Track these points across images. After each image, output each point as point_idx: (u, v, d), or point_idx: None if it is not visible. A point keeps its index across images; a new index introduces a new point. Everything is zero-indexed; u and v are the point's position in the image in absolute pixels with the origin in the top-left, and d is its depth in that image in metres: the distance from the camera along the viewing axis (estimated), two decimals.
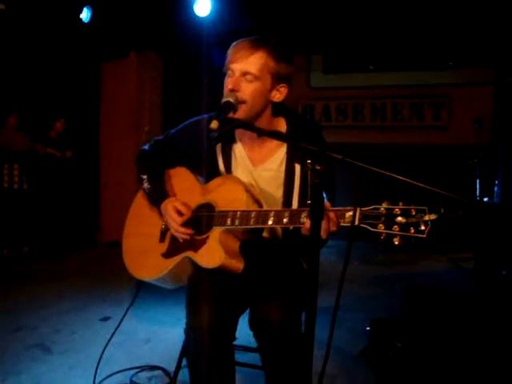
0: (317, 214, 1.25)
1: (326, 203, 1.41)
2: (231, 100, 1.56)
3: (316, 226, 1.25)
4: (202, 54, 5.51)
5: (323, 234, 1.39)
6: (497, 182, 4.93)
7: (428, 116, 6.40)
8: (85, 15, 4.94)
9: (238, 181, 1.70)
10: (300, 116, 1.84)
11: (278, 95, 1.66)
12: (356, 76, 6.58)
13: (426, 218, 1.27)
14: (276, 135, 1.53)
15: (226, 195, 1.69)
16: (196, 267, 1.73)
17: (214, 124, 1.47)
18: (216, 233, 1.65)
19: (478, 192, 5.12)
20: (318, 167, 1.23)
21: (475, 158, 5.15)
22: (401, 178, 1.18)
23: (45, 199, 5.57)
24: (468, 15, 5.15)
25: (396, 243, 1.30)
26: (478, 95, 6.08)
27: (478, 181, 5.13)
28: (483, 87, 6.05)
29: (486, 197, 5.06)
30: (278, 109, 1.73)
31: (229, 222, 1.61)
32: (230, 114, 1.58)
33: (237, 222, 1.60)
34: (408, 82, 6.42)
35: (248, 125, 1.59)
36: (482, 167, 5.12)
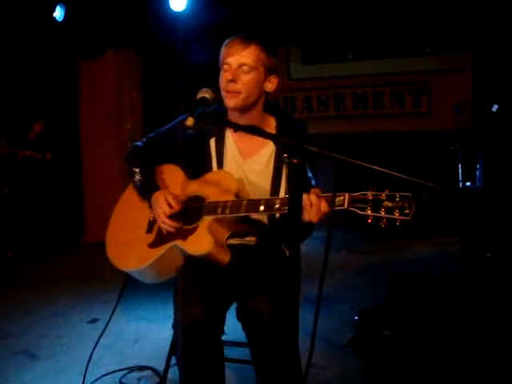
0: (295, 208, 1.25)
1: (316, 189, 1.49)
2: (207, 96, 1.57)
3: (295, 218, 1.25)
4: (180, 49, 5.45)
5: (314, 219, 1.47)
6: (478, 166, 4.98)
7: (409, 103, 6.42)
8: (58, 14, 4.84)
9: (230, 175, 1.74)
10: (288, 115, 1.95)
11: (270, 85, 1.78)
12: (336, 66, 6.57)
13: (411, 201, 1.37)
14: (252, 130, 1.53)
15: (217, 189, 1.72)
16: (184, 261, 1.75)
17: (190, 121, 1.47)
18: (206, 222, 1.68)
19: (460, 177, 5.16)
20: (295, 161, 1.24)
21: (456, 143, 5.19)
22: (378, 168, 1.18)
23: (27, 203, 5.48)
24: (444, 1, 5.16)
25: (383, 226, 1.40)
26: (457, 81, 6.11)
27: (459, 166, 5.17)
28: (462, 72, 6.08)
29: (468, 181, 5.10)
30: (269, 107, 1.84)
31: (219, 211, 1.65)
32: (227, 103, 1.68)
33: (227, 210, 1.64)
34: (388, 69, 6.43)
35: (224, 120, 1.60)
36: (464, 152, 5.16)
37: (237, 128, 1.52)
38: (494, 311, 2.53)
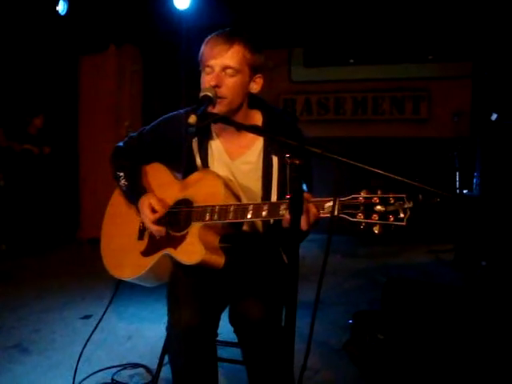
0: (296, 208, 1.24)
1: (307, 194, 1.41)
2: (210, 94, 1.55)
3: (296, 219, 1.24)
4: (182, 47, 5.45)
5: (304, 226, 1.38)
6: (476, 174, 4.99)
7: (408, 109, 6.44)
8: (61, 7, 4.83)
9: (216, 175, 1.69)
10: (275, 108, 1.84)
11: (256, 86, 1.68)
12: (337, 69, 6.57)
13: (405, 205, 1.27)
14: (255, 130, 1.51)
15: (203, 190, 1.67)
16: (176, 264, 1.71)
17: (192, 119, 1.45)
18: (195, 228, 1.63)
19: (457, 184, 5.18)
20: (297, 161, 1.22)
21: (454, 150, 5.20)
22: (380, 171, 1.17)
23: (23, 196, 5.46)
24: (447, 9, 5.18)
25: (376, 232, 1.30)
26: (457, 89, 6.13)
27: (457, 173, 5.19)
28: (462, 81, 6.10)
29: (465, 189, 5.11)
30: (254, 101, 1.74)
31: (207, 217, 1.60)
32: (210, 109, 1.57)
33: (215, 216, 1.58)
34: (388, 75, 6.44)
35: (226, 119, 1.58)
36: (462, 160, 5.18)
37: (239, 127, 1.51)
38: (489, 318, 2.53)
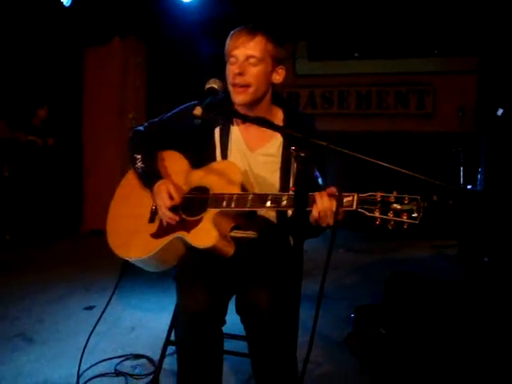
0: (301, 201, 1.25)
1: (333, 188, 1.48)
2: (215, 86, 1.56)
3: (300, 212, 1.25)
4: (186, 40, 5.43)
5: (330, 221, 1.46)
6: (480, 169, 4.97)
7: (413, 104, 6.41)
8: None
9: (235, 166, 1.72)
10: (295, 108, 1.92)
11: (278, 77, 1.76)
12: (341, 63, 6.55)
13: (420, 205, 1.36)
14: (260, 121, 1.52)
15: (221, 179, 1.70)
16: (187, 249, 1.74)
17: (197, 111, 1.47)
18: (210, 214, 1.66)
19: (461, 179, 5.16)
20: (302, 154, 1.24)
21: (459, 145, 5.18)
22: (384, 164, 1.18)
23: (27, 187, 5.48)
24: (452, 3, 5.15)
25: (390, 228, 1.38)
26: (463, 83, 6.10)
27: (461, 168, 5.17)
28: (467, 75, 6.06)
29: (469, 184, 5.10)
30: (277, 99, 1.82)
31: (225, 203, 1.63)
32: (234, 97, 1.66)
33: (233, 204, 1.62)
34: (393, 69, 6.41)
35: (232, 111, 1.60)
36: (466, 155, 5.16)
37: (245, 119, 1.52)
38: (490, 315, 2.54)
